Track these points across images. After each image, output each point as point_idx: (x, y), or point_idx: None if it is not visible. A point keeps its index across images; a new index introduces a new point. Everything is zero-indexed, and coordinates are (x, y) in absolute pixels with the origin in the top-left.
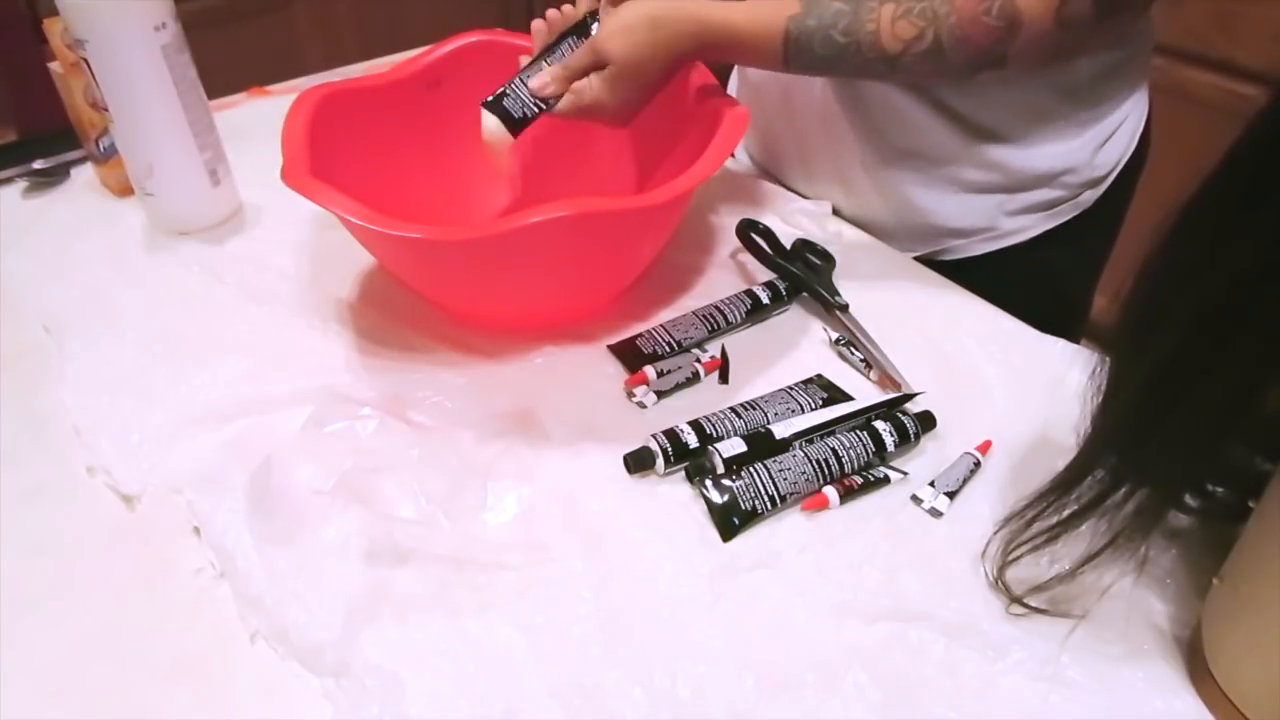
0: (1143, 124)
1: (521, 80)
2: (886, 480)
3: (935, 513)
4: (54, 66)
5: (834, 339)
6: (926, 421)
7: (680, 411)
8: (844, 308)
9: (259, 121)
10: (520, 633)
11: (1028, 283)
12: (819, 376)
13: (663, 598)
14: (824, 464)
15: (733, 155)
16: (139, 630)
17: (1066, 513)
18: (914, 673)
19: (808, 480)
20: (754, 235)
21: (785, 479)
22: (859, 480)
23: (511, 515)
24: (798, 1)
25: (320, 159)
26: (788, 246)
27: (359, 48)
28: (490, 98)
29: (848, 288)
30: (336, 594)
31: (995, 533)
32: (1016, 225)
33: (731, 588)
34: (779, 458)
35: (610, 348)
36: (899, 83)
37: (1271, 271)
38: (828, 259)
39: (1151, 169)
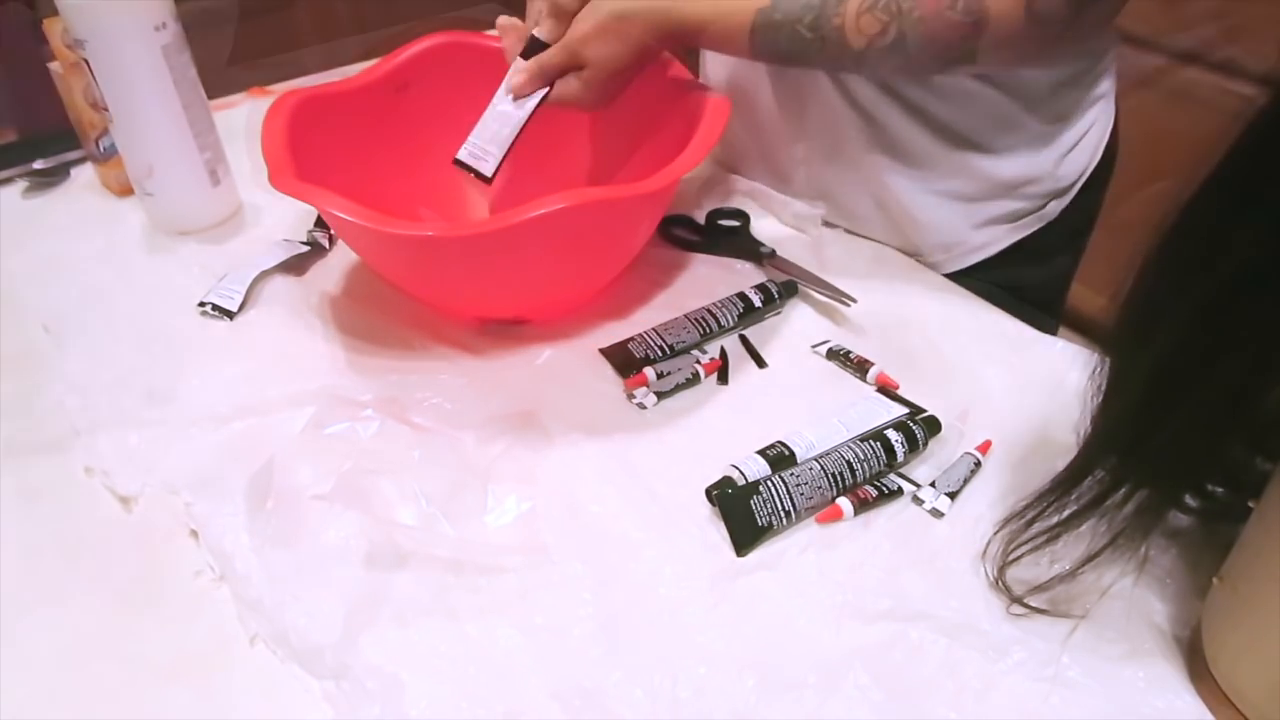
0: (1108, 134)
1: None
2: (900, 492)
3: (936, 513)
4: (54, 66)
5: (827, 349)
6: (932, 426)
7: (680, 413)
8: (770, 254)
9: (259, 121)
10: (520, 634)
11: (997, 298)
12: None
13: (663, 599)
14: (838, 476)
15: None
16: (139, 631)
17: (1067, 513)
18: (915, 673)
19: (822, 493)
20: (675, 230)
21: (801, 494)
22: (873, 492)
23: (512, 517)
24: (762, 7)
25: (300, 164)
26: (757, 238)
27: (359, 48)
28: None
29: (839, 282)
30: (336, 596)
31: (995, 533)
32: (983, 239)
33: (732, 589)
34: (794, 469)
35: (602, 351)
36: (870, 78)
37: (1272, 270)
38: (740, 216)
39: (1150, 169)
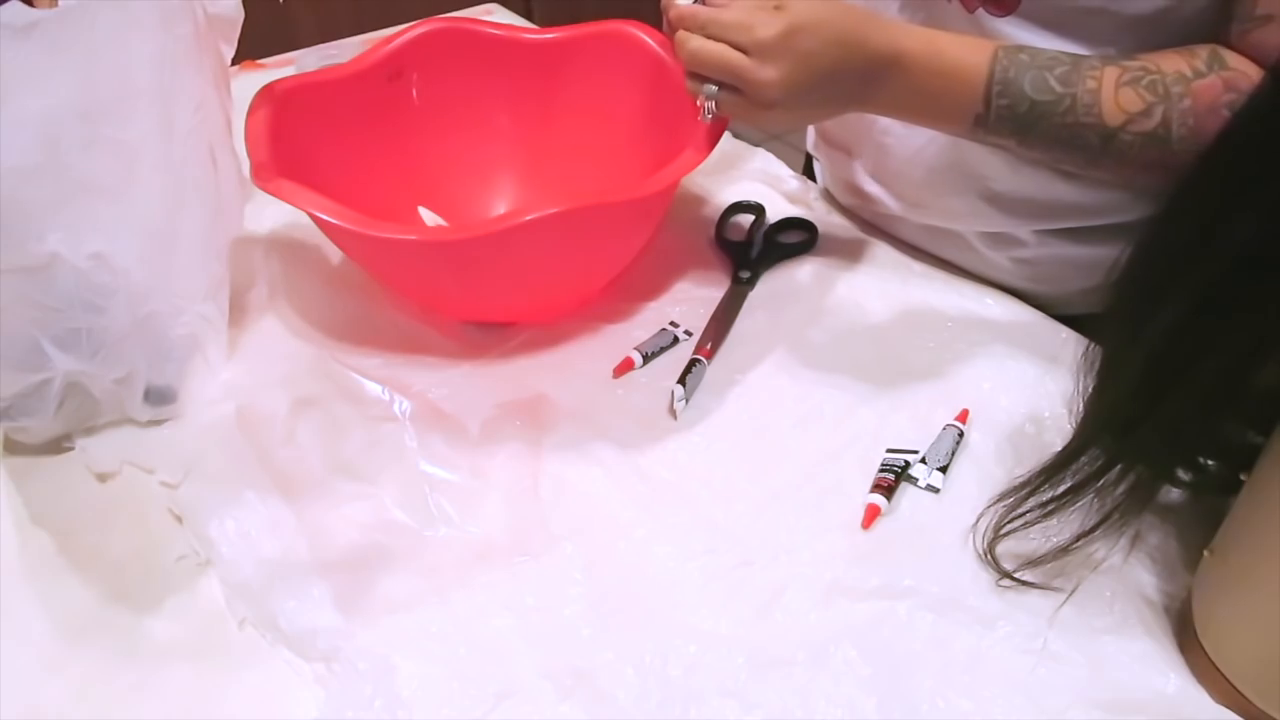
0: None
1: None
2: (908, 466)
3: (932, 489)
4: None
5: None
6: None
7: (664, 392)
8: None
9: (248, 101)
10: (512, 615)
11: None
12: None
13: (653, 578)
14: None
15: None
16: (133, 609)
17: (1061, 489)
18: (903, 648)
19: None
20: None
21: None
22: (890, 477)
23: (502, 500)
24: (1006, 45)
25: (285, 157)
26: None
27: (351, 20)
28: None
29: (833, 267)
30: (326, 579)
31: (988, 507)
32: None
33: (721, 567)
34: None
35: None
36: (1105, 173)
37: (1269, 252)
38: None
39: None
